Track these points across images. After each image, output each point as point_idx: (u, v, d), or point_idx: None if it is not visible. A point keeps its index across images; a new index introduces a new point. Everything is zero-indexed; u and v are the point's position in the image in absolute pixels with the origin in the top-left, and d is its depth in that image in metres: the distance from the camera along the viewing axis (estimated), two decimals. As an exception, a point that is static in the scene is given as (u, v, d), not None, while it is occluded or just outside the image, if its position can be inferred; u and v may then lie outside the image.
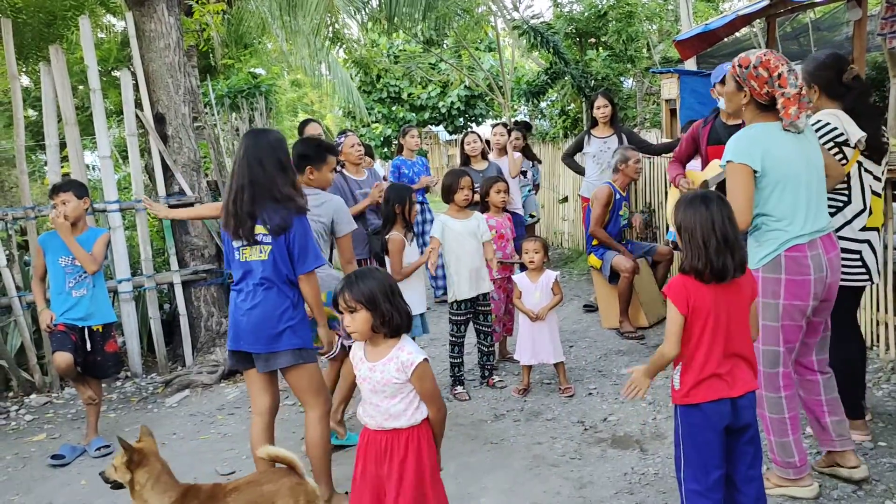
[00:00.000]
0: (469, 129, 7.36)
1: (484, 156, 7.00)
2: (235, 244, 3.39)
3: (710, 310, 2.68)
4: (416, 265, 4.85)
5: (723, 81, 4.89)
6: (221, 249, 6.28)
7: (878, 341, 4.82)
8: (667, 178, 7.45)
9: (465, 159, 6.92)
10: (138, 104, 6.14)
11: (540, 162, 8.63)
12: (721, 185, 4.89)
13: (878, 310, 4.76)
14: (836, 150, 3.43)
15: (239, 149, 3.39)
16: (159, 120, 6.14)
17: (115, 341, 4.81)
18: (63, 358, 4.41)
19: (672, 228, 6.69)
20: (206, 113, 7.14)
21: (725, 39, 6.95)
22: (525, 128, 8.42)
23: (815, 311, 3.20)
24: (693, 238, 2.68)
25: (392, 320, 2.61)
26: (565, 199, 9.79)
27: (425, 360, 2.62)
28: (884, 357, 4.71)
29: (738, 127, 4.95)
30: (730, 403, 2.71)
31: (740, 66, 3.13)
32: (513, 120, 10.84)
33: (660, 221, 7.54)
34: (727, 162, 3.12)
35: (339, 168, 5.74)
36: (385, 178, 7.84)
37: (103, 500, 3.93)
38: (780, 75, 3.04)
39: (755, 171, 3.05)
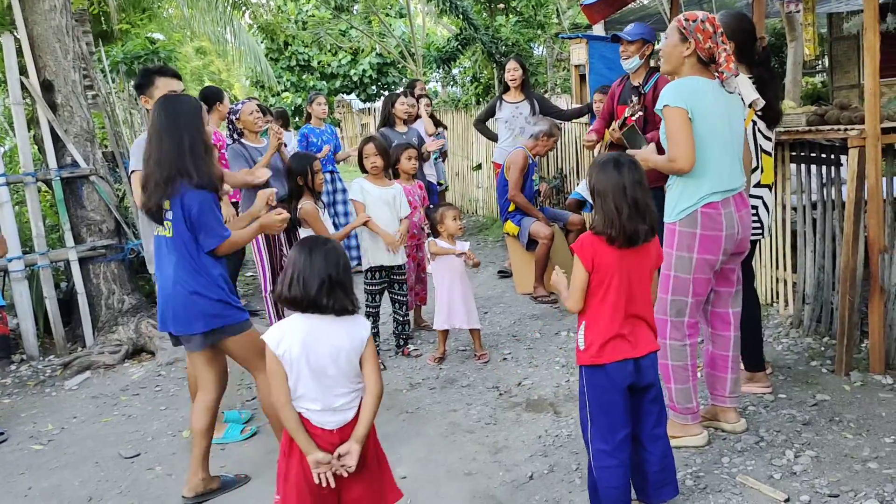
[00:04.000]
0: (403, 90, 7.30)
1: (407, 122, 6.87)
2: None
3: (614, 270, 2.71)
4: (349, 229, 4.85)
5: (631, 42, 4.96)
6: (121, 224, 5.99)
7: (777, 298, 5.00)
8: (576, 145, 7.55)
9: (387, 121, 6.73)
10: (23, 71, 5.74)
11: (445, 128, 8.54)
12: (612, 144, 5.03)
13: (777, 267, 4.93)
14: None
15: (150, 117, 3.20)
16: (47, 87, 5.75)
17: (5, 324, 4.53)
18: None
19: (578, 189, 6.81)
20: (101, 80, 6.75)
21: (632, 5, 7.01)
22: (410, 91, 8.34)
23: (726, 262, 3.31)
24: (606, 202, 2.69)
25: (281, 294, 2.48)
26: (479, 167, 9.78)
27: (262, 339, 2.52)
28: (783, 313, 4.90)
29: (638, 88, 5.08)
30: (633, 363, 2.75)
31: (687, 19, 3.21)
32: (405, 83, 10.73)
33: (570, 187, 7.62)
34: (664, 106, 3.16)
35: (237, 136, 5.49)
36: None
37: (-4, 491, 3.72)
38: (721, 32, 3.18)
39: (689, 117, 3.12)
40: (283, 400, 2.47)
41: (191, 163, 3.10)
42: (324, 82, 22.19)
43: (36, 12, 5.68)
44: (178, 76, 4.02)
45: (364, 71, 21.90)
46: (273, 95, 21.81)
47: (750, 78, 3.54)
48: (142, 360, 5.62)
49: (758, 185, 3.61)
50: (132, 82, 8.06)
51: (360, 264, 6.27)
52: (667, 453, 2.83)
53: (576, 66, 7.51)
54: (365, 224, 4.88)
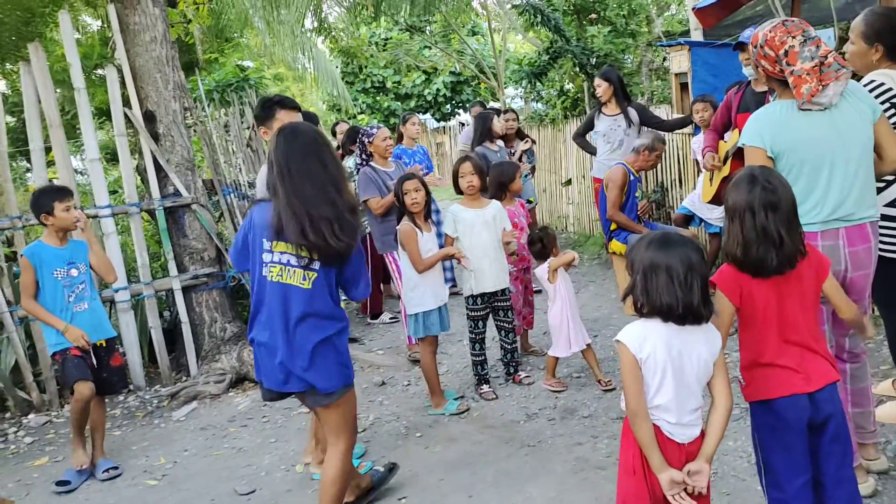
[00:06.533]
0: (493, 108, 7.26)
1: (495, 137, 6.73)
2: (266, 258, 2.93)
3: (767, 299, 2.42)
4: (438, 258, 4.57)
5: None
6: (222, 252, 5.97)
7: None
8: (678, 157, 7.21)
9: (484, 137, 6.58)
10: (126, 102, 5.80)
11: (534, 142, 8.28)
12: (739, 153, 4.69)
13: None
14: (893, 110, 3.16)
15: (274, 152, 2.88)
16: (149, 118, 5.80)
17: (120, 355, 4.52)
18: (88, 388, 4.11)
19: (685, 203, 6.47)
20: (197, 108, 6.80)
21: (744, 7, 6.66)
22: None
23: None
24: (732, 223, 2.42)
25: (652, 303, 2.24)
26: (569, 182, 9.51)
27: (617, 340, 2.30)
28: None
29: (764, 94, 4.76)
30: (807, 399, 2.43)
31: (752, 45, 2.87)
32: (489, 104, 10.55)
33: (673, 202, 7.28)
34: (742, 145, 2.91)
35: (365, 159, 5.68)
36: None
37: (116, 529, 3.65)
38: (787, 52, 2.74)
39: (769, 155, 2.80)
40: (642, 409, 2.26)
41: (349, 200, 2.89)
42: (398, 103, 22.32)
43: (137, 44, 5.75)
44: (298, 108, 3.85)
45: (438, 90, 21.93)
46: (349, 118, 22.06)
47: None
48: (245, 388, 5.55)
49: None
50: (223, 110, 8.17)
51: (454, 285, 6.13)
52: (854, 497, 2.50)
53: (676, 75, 7.19)
54: (453, 257, 4.65)
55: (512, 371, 4.97)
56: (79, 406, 4.15)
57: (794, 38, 2.74)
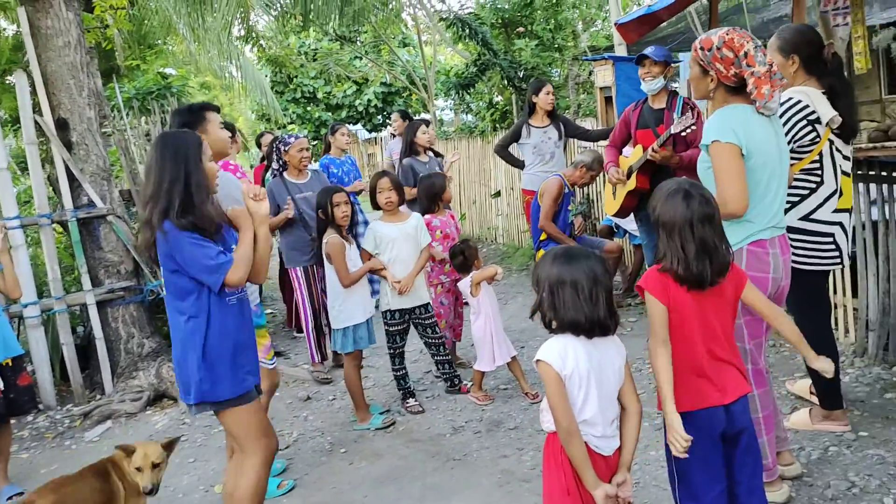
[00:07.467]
0: (421, 118, 7.12)
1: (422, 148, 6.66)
2: None
3: (689, 308, 2.43)
4: (363, 271, 4.51)
5: (657, 63, 4.80)
6: (139, 264, 5.75)
7: (836, 326, 4.73)
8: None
9: (410, 150, 6.51)
10: (37, 109, 5.54)
11: (442, 157, 8.23)
12: (644, 167, 4.80)
13: (835, 293, 4.66)
14: (809, 128, 3.26)
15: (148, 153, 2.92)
16: (62, 125, 5.55)
17: (28, 374, 4.30)
18: None
19: (609, 214, 6.55)
20: (115, 117, 6.58)
21: (664, 24, 6.80)
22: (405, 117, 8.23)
23: None
24: (671, 238, 2.41)
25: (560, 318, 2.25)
26: (498, 194, 9.55)
27: (538, 360, 2.27)
28: (844, 341, 4.61)
29: (662, 111, 4.88)
30: (723, 410, 2.46)
31: (702, 48, 2.85)
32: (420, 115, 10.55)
33: (599, 213, 7.38)
34: (712, 142, 2.83)
35: (278, 169, 5.50)
36: None
37: (19, 560, 3.44)
38: (746, 54, 2.77)
39: (742, 153, 2.80)
40: (573, 428, 2.22)
41: (179, 199, 2.73)
42: (329, 113, 22.10)
43: (50, 49, 5.50)
44: (219, 111, 3.76)
45: (369, 101, 21.82)
46: (279, 128, 21.73)
47: (823, 93, 3.29)
48: (164, 406, 5.36)
49: (836, 210, 3.34)
50: (144, 118, 7.93)
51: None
52: (763, 507, 2.55)
53: (600, 89, 7.29)
54: (378, 273, 4.61)
55: (457, 382, 4.87)
56: None
57: (749, 42, 2.80)
